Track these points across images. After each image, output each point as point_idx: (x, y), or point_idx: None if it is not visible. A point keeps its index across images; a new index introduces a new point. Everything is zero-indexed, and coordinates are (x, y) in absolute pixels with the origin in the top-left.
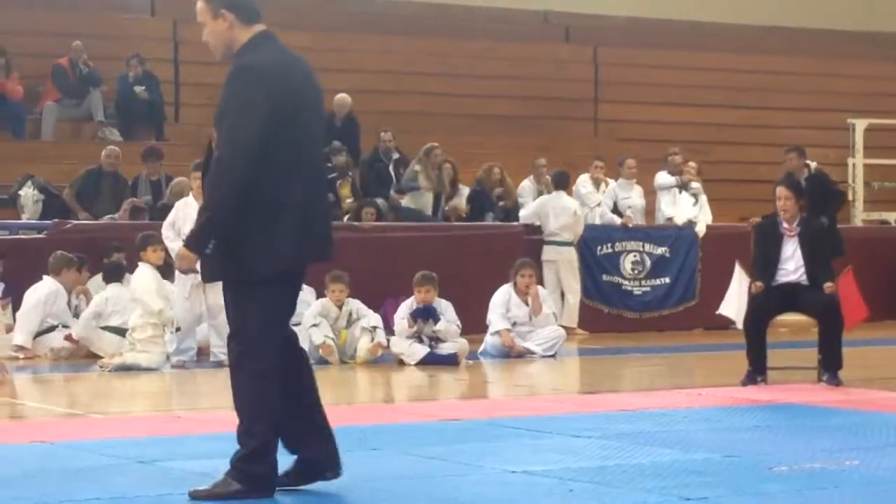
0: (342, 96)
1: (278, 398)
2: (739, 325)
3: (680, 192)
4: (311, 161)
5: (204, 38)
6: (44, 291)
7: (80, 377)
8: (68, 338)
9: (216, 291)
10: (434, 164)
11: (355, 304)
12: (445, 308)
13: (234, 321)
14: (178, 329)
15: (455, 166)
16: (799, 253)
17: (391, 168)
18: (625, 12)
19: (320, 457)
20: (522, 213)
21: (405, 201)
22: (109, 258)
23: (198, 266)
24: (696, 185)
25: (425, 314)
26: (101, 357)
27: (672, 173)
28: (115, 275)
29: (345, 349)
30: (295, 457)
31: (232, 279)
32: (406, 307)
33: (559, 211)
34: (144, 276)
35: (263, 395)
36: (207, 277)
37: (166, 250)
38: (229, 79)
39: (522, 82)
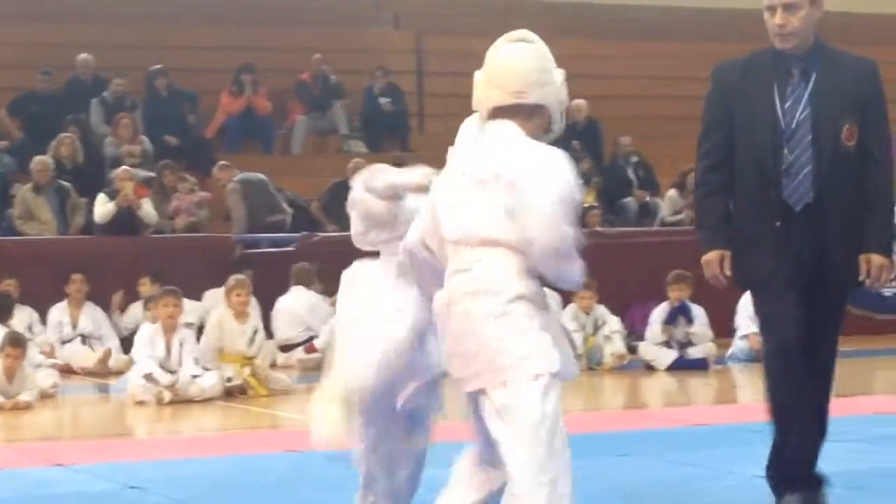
0: (577, 102)
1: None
2: None
3: None
4: None
5: (789, 28)
6: (305, 302)
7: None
8: (309, 348)
9: None
10: None
11: (601, 311)
12: (698, 313)
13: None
14: None
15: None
16: None
17: (630, 172)
18: None
19: None
20: None
21: None
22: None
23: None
24: None
25: (679, 312)
26: None
27: None
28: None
29: (592, 355)
30: None
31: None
32: (661, 312)
33: None
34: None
35: None
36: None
37: None
38: (876, 75)
39: None
